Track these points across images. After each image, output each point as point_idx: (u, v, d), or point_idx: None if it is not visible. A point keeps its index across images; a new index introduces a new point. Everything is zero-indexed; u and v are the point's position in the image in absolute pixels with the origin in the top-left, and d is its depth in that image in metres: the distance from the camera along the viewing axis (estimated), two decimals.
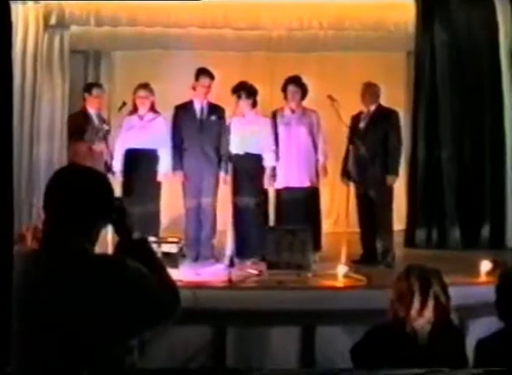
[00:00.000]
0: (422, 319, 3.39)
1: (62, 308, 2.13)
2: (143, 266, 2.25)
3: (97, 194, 2.30)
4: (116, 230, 2.38)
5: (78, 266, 2.18)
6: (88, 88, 7.69)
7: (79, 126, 7.44)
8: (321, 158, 7.43)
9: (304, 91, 7.39)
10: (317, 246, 7.15)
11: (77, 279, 2.16)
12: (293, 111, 7.41)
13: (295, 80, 7.36)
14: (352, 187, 7.31)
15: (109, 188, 2.37)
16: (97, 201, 2.29)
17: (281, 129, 7.40)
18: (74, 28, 8.96)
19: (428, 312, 3.40)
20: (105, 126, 7.43)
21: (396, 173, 7.19)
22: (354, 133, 7.19)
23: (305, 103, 7.50)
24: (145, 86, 7.39)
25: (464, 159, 8.37)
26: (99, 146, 7.36)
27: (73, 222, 2.25)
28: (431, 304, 3.40)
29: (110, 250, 3.14)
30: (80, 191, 2.27)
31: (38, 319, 2.15)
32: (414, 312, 3.39)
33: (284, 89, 7.38)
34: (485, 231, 8.20)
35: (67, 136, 7.78)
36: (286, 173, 7.37)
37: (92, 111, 7.53)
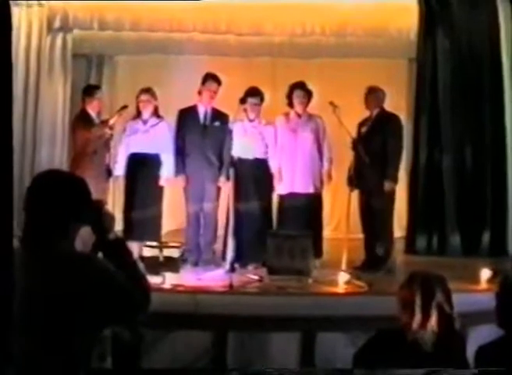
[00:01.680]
0: (425, 330, 3.35)
1: (35, 300, 2.29)
2: (116, 263, 2.43)
3: (72, 196, 2.45)
4: (93, 230, 2.51)
5: (51, 264, 2.34)
6: (88, 90, 7.65)
7: (84, 121, 7.45)
8: (326, 164, 7.42)
9: (309, 96, 7.39)
10: (318, 253, 7.15)
11: (50, 275, 2.32)
12: (299, 116, 7.41)
13: (301, 86, 7.36)
14: (354, 193, 7.30)
15: (86, 191, 2.51)
16: (72, 204, 2.44)
17: (287, 134, 7.40)
18: (77, 32, 8.99)
19: (432, 323, 3.34)
20: (108, 131, 7.41)
21: (393, 180, 7.14)
22: (357, 138, 7.19)
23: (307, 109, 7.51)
24: (147, 90, 7.39)
25: (465, 166, 8.38)
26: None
27: (50, 223, 2.40)
28: (434, 315, 3.34)
29: None
30: (55, 194, 2.42)
31: (17, 314, 2.27)
32: (416, 323, 3.35)
33: (289, 95, 7.38)
34: (486, 238, 8.19)
35: (72, 129, 7.73)
36: (290, 179, 7.36)
37: (93, 113, 7.51)
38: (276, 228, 7.29)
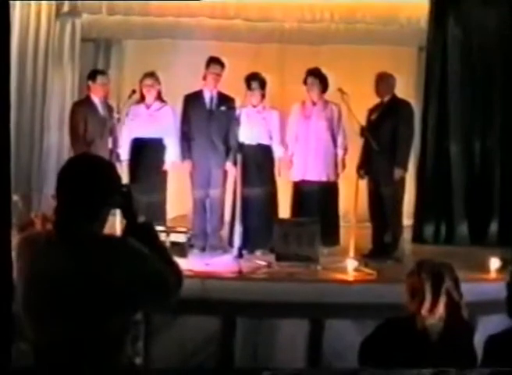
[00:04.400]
0: (434, 316, 3.36)
1: (71, 284, 2.31)
2: (147, 246, 2.44)
3: (104, 181, 2.46)
4: (123, 215, 2.56)
5: (86, 247, 2.36)
6: (92, 76, 7.55)
7: (81, 120, 7.37)
8: (340, 152, 7.39)
9: (323, 83, 7.33)
10: (335, 241, 7.19)
11: (85, 258, 2.34)
12: (314, 103, 7.36)
13: (314, 72, 7.31)
14: (364, 180, 7.27)
15: (116, 175, 2.55)
16: (104, 188, 2.46)
17: (301, 121, 7.36)
18: (86, 16, 8.97)
19: (440, 310, 3.36)
20: (116, 115, 7.36)
21: (403, 167, 7.11)
22: (367, 125, 7.15)
23: None
24: (151, 74, 7.36)
25: (473, 155, 8.35)
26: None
27: (83, 207, 2.41)
28: (443, 301, 3.37)
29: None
30: (88, 179, 2.43)
31: (50, 297, 2.33)
32: (425, 309, 3.37)
33: (305, 82, 7.33)
34: (494, 227, 8.17)
35: (75, 113, 7.55)
36: (303, 166, 7.34)
37: (96, 99, 7.44)
38: (290, 215, 7.30)
